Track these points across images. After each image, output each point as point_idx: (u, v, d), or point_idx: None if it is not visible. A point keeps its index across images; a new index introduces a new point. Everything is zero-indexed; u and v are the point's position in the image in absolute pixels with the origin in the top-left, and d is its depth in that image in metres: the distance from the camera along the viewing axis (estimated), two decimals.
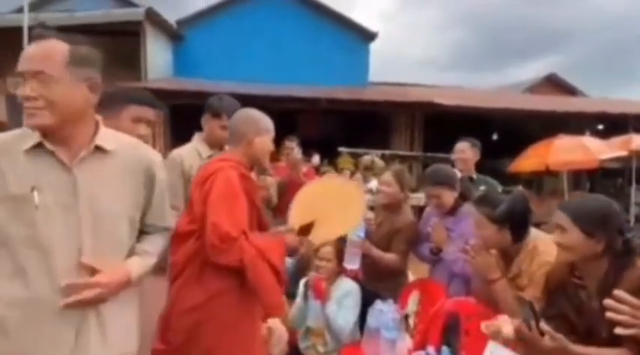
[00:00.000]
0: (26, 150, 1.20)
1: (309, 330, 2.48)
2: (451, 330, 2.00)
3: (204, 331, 1.80)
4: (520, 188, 2.35)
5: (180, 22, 12.47)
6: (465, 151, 3.43)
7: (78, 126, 1.26)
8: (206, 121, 2.48)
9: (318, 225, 2.05)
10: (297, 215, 2.10)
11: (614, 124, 11.06)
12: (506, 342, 1.52)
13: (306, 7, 13.03)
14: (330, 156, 8.13)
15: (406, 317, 2.22)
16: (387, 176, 2.71)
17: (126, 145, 1.37)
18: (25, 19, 8.57)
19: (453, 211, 2.42)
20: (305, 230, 2.05)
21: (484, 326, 1.59)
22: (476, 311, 1.98)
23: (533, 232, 1.93)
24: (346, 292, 2.46)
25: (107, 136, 1.31)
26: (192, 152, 2.38)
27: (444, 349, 1.89)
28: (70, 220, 1.21)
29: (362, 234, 2.48)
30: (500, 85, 20.44)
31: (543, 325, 1.41)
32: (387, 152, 9.16)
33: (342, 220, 2.16)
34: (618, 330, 1.22)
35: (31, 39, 1.25)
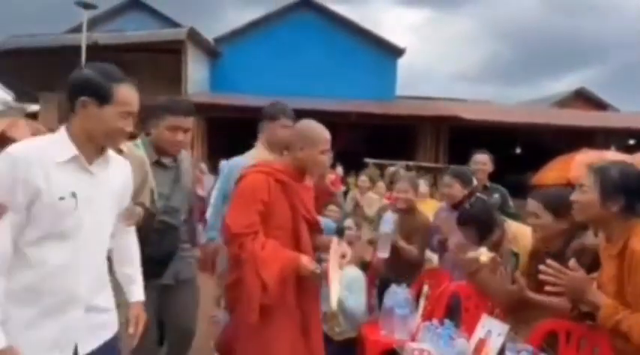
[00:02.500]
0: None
1: (325, 315, 2.77)
2: (453, 308, 2.42)
3: (235, 308, 2.07)
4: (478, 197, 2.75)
5: (217, 40, 13.26)
6: (486, 163, 3.72)
7: None
8: (265, 127, 2.62)
9: None
10: None
11: None
12: (481, 267, 2.03)
13: (337, 24, 13.62)
14: (357, 168, 8.58)
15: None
16: (404, 184, 3.15)
17: (119, 157, 1.62)
18: (84, 39, 9.48)
19: (459, 206, 2.82)
20: None
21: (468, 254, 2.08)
22: (473, 292, 2.39)
23: (513, 225, 2.35)
24: (353, 278, 2.86)
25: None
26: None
27: (447, 322, 2.30)
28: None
29: (392, 227, 2.87)
30: (533, 98, 20.48)
31: (517, 274, 1.86)
32: (411, 163, 9.52)
33: None
34: (547, 288, 1.65)
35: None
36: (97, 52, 10.03)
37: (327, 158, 2.07)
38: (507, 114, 11.96)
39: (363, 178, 4.83)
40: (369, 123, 11.70)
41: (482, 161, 3.75)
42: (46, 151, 1.39)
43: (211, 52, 12.83)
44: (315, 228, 2.16)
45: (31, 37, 11.29)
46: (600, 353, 1.72)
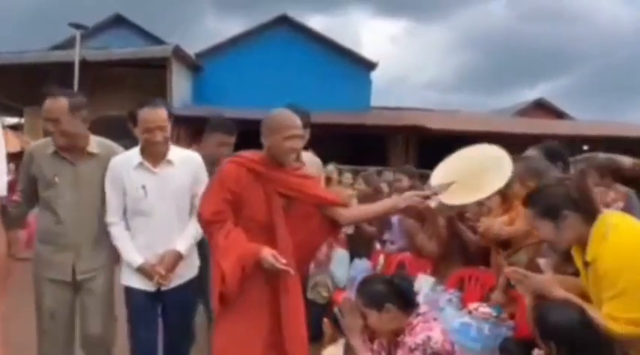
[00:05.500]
0: (50, 154, 2.14)
1: (318, 282, 3.53)
2: (399, 271, 3.21)
3: None
4: None
5: (198, 55, 13.90)
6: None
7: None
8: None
9: (455, 187, 2.01)
10: (439, 174, 2.14)
11: (596, 146, 12.20)
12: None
13: (313, 40, 14.40)
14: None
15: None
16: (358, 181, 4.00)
17: (105, 147, 2.24)
18: (77, 57, 10.03)
19: None
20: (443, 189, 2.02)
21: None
22: (414, 259, 3.19)
23: None
24: (341, 255, 3.66)
25: (94, 143, 2.22)
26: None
27: None
28: (75, 192, 2.15)
29: None
30: (501, 107, 21.91)
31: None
32: (381, 169, 10.35)
33: (475, 187, 2.05)
34: (519, 290, 1.73)
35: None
36: (85, 68, 10.62)
37: (293, 144, 1.94)
38: (470, 124, 12.97)
39: (348, 175, 5.47)
40: (344, 133, 12.48)
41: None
42: (128, 159, 2.17)
43: (194, 66, 13.47)
44: (328, 204, 2.04)
45: (18, 53, 11.76)
46: (489, 289, 2.53)
